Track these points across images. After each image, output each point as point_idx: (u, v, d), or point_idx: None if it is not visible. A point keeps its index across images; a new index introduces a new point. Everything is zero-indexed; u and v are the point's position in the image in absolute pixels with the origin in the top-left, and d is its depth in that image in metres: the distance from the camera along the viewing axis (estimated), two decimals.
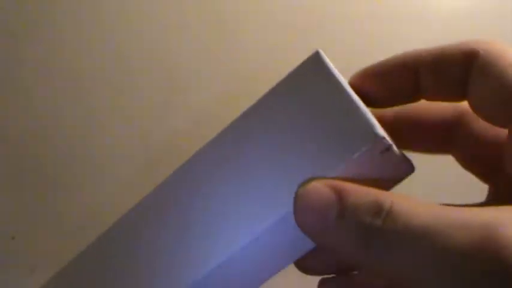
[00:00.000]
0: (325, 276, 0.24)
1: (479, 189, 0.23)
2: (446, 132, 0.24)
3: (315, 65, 0.22)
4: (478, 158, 0.23)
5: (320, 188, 0.19)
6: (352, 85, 0.22)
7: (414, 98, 0.23)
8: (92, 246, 0.26)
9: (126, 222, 0.25)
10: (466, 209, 0.17)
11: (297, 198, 0.20)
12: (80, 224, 0.49)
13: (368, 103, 0.22)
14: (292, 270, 0.23)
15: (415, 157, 0.22)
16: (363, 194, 0.19)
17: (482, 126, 0.22)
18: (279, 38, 0.50)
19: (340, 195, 0.19)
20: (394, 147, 0.20)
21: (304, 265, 0.23)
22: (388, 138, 0.20)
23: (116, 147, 0.48)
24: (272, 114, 0.23)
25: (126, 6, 0.48)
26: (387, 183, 0.21)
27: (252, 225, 0.21)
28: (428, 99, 0.23)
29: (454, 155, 0.24)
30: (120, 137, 0.48)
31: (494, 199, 0.22)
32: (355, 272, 0.24)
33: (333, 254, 0.23)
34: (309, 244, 0.22)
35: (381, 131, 0.19)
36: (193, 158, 0.25)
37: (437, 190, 0.42)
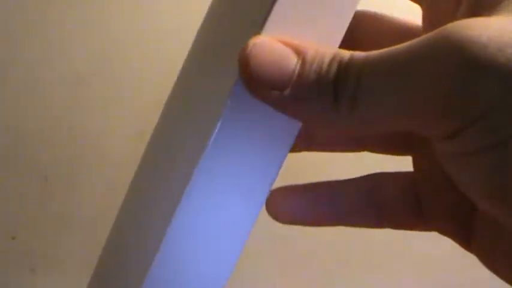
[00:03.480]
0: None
1: None
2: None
3: None
4: None
5: (270, 41, 0.16)
6: None
7: None
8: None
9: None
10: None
11: (245, 55, 0.16)
12: (80, 224, 0.49)
13: None
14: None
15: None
16: (318, 47, 0.17)
17: None
18: None
19: (294, 47, 0.16)
20: None
21: (275, 205, 0.21)
22: None
23: (117, 147, 0.48)
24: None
25: (126, 5, 0.48)
26: None
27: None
28: None
29: None
30: (121, 137, 0.48)
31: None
32: None
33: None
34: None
35: None
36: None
37: None
